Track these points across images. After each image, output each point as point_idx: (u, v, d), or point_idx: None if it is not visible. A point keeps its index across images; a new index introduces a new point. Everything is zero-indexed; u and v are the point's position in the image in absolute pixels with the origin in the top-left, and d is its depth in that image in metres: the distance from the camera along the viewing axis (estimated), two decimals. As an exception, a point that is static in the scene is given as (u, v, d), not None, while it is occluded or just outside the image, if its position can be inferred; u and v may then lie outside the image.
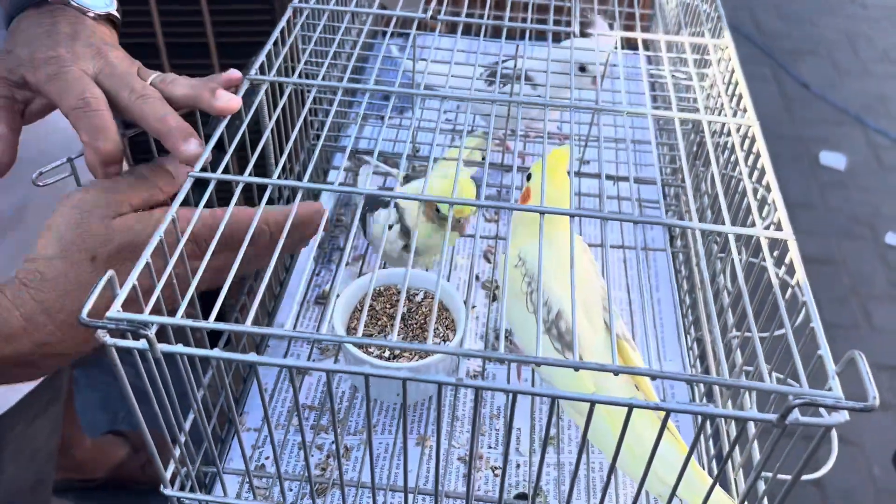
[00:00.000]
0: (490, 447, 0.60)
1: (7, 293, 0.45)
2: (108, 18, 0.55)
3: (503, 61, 0.68)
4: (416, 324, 0.59)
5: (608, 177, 0.71)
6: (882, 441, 1.67)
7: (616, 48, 0.63)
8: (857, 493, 1.59)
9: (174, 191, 0.51)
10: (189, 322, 0.40)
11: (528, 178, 0.58)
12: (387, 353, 0.56)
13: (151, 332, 0.38)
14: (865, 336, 1.93)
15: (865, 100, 2.68)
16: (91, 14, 0.53)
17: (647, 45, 0.90)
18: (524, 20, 0.86)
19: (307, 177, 0.50)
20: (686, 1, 0.77)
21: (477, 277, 0.73)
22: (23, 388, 0.75)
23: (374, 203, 0.65)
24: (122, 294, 0.40)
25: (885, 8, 3.18)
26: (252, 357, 0.39)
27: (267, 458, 0.58)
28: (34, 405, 0.79)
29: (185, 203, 0.47)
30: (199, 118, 0.55)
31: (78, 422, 1.31)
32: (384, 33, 0.65)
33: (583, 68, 0.68)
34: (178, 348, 0.39)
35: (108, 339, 0.39)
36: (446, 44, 0.69)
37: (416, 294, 0.61)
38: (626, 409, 0.37)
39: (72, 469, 1.35)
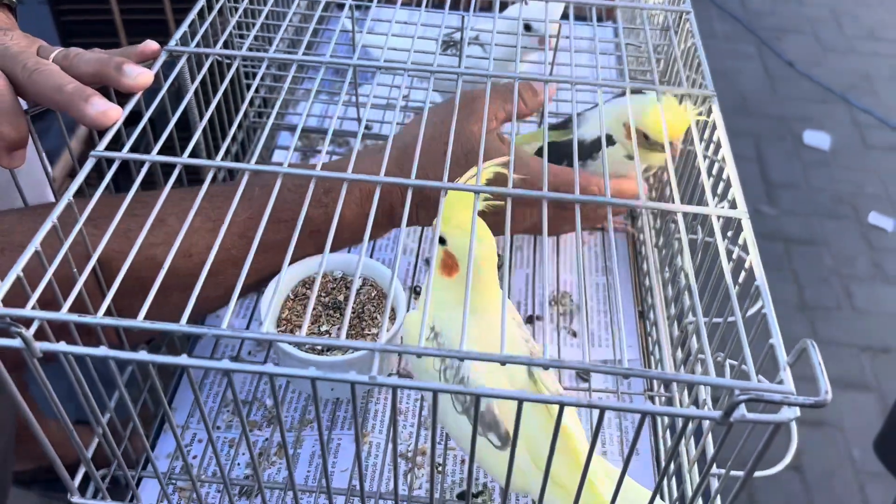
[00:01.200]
0: (437, 443, 0.56)
1: None
2: (2, 4, 0.52)
3: (454, 31, 0.64)
4: (354, 313, 0.55)
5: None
6: (862, 423, 1.65)
7: (569, 17, 0.59)
8: (836, 475, 1.58)
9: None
10: (74, 317, 0.36)
11: (442, 241, 0.46)
12: (319, 347, 0.52)
13: (30, 331, 0.34)
14: (847, 317, 1.90)
15: (851, 78, 2.64)
16: None
17: (611, 14, 0.86)
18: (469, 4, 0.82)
19: (221, 154, 0.45)
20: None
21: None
22: None
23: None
24: (3, 288, 0.36)
25: (870, -16, 3.14)
26: (144, 356, 0.35)
27: (194, 458, 0.54)
28: None
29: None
30: (114, 93, 0.51)
31: (38, 406, 1.27)
32: (329, 5, 0.61)
33: (528, 27, 0.64)
34: (61, 346, 0.35)
35: (-18, 337, 0.35)
36: (388, 15, 0.65)
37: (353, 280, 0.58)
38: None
39: (37, 457, 1.31)
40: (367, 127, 0.74)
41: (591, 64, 0.81)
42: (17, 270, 0.37)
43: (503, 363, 0.35)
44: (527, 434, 0.43)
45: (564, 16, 0.60)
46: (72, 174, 1.55)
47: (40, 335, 0.35)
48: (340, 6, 0.87)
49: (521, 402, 0.33)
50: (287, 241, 0.50)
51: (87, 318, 0.36)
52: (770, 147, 2.37)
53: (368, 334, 0.54)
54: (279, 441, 0.55)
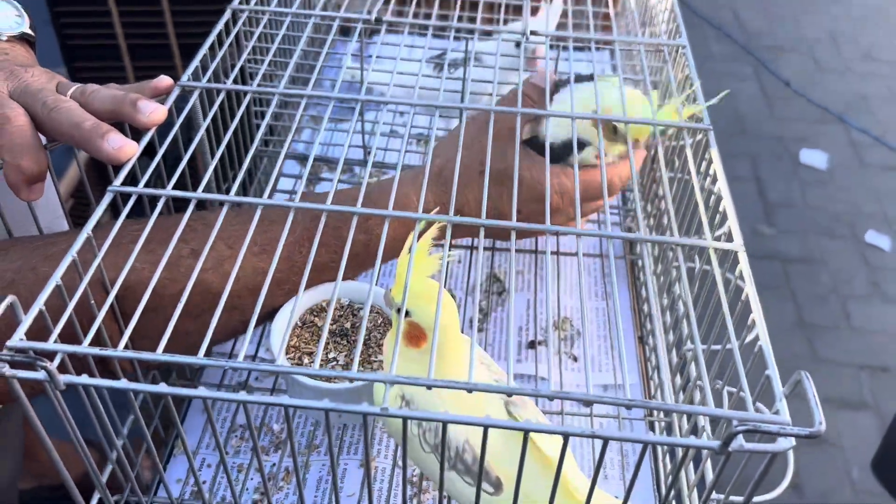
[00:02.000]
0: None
1: None
2: (23, 38, 0.53)
3: (452, 49, 0.65)
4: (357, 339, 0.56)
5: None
6: (861, 442, 1.65)
7: (569, 47, 0.61)
8: (835, 494, 1.58)
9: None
10: (95, 350, 0.37)
11: (407, 314, 0.45)
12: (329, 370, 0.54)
13: (54, 364, 0.36)
14: (846, 336, 1.92)
15: (847, 98, 2.67)
16: (3, 37, 0.52)
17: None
18: (472, 19, 0.84)
19: (235, 188, 0.47)
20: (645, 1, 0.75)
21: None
22: None
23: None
24: (26, 323, 0.37)
25: (867, 7, 3.18)
26: (164, 389, 0.36)
27: (205, 482, 0.55)
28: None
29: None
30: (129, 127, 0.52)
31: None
32: (333, 29, 0.62)
33: (518, 45, 0.66)
34: (82, 379, 0.37)
35: (7, 371, 0.36)
36: (393, 43, 0.67)
37: (361, 307, 0.59)
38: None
39: (39, 474, 1.32)
40: (368, 152, 0.76)
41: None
42: (39, 304, 0.39)
43: (510, 394, 0.36)
44: (514, 475, 0.43)
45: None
46: (74, 194, 1.56)
47: (61, 366, 0.37)
48: (346, 31, 0.89)
49: (486, 428, 0.34)
50: (326, 263, 0.52)
51: (108, 352, 0.37)
52: (768, 167, 2.39)
53: (375, 361, 0.55)
54: (286, 466, 0.56)
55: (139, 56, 1.42)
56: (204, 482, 0.55)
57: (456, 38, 0.59)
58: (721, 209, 0.48)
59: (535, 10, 0.74)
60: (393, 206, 0.44)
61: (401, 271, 0.43)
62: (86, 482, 1.49)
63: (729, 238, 0.46)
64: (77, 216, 1.51)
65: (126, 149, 0.47)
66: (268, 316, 0.55)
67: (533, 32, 0.60)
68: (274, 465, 0.56)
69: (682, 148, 0.56)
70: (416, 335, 0.45)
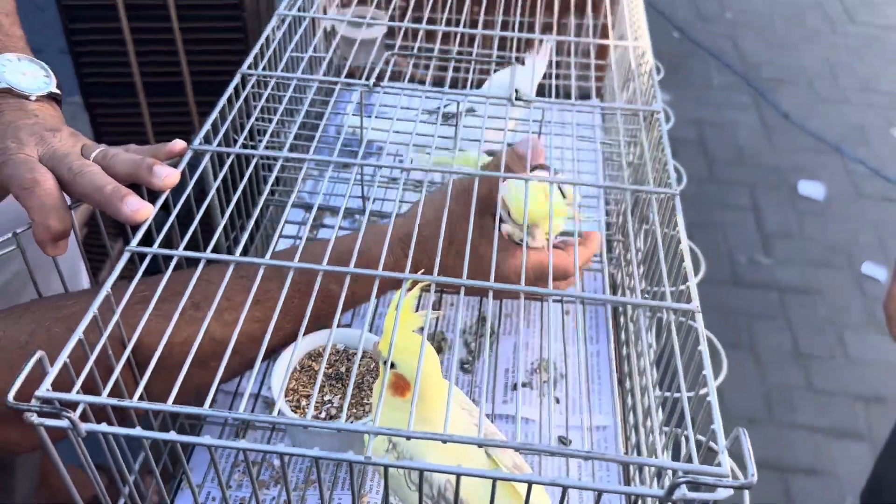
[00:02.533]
0: None
1: None
2: (49, 97, 0.58)
3: (446, 105, 0.70)
4: (354, 383, 0.61)
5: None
6: (855, 471, 1.68)
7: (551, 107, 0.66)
8: (828, 525, 1.61)
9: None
10: (113, 401, 0.42)
11: (392, 365, 0.49)
12: (322, 414, 0.58)
13: (76, 414, 0.40)
14: (841, 366, 1.95)
15: (844, 129, 2.72)
16: (33, 98, 0.56)
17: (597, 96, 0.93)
18: (466, 81, 0.89)
19: (240, 248, 0.52)
20: (627, 60, 0.80)
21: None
22: None
23: None
24: (51, 375, 0.42)
25: (865, 38, 3.23)
26: (173, 436, 0.41)
27: (209, 515, 0.60)
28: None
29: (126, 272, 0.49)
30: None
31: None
32: (336, 89, 0.68)
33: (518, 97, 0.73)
34: (102, 427, 0.41)
35: (35, 420, 0.41)
36: (393, 95, 0.72)
37: (356, 352, 0.64)
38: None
39: (49, 498, 1.36)
40: (366, 199, 0.81)
41: (573, 147, 0.88)
42: (63, 358, 0.43)
43: (444, 441, 0.40)
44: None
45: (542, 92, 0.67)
46: (88, 223, 1.61)
47: (81, 414, 0.41)
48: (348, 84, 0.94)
49: (458, 476, 0.39)
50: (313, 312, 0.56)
51: (126, 403, 0.42)
52: (765, 197, 2.43)
53: (367, 403, 0.60)
54: (284, 500, 0.61)
55: (153, 93, 1.48)
56: (209, 514, 0.60)
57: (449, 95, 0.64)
58: (682, 271, 0.53)
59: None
60: (356, 264, 0.49)
61: (388, 326, 0.48)
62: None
63: (688, 300, 0.50)
64: (89, 245, 1.56)
65: (143, 211, 0.52)
66: (266, 356, 0.60)
67: (518, 98, 0.65)
68: (274, 498, 0.61)
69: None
70: (401, 385, 0.50)
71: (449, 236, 0.58)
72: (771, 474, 1.65)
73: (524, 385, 0.70)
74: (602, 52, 0.99)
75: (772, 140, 2.68)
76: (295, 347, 0.58)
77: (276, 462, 0.64)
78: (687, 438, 0.51)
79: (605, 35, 0.99)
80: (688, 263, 0.53)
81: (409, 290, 0.49)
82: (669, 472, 0.53)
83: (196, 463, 0.64)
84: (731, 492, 0.39)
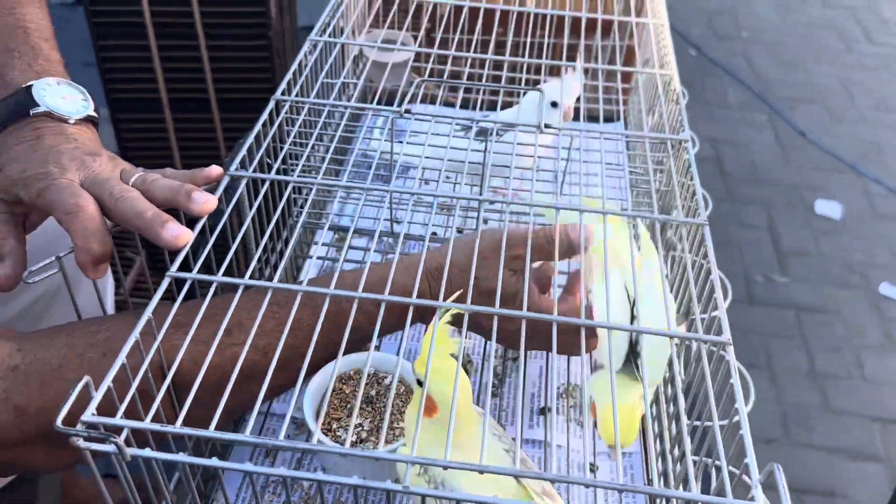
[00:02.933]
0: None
1: None
2: (87, 120, 0.59)
3: (478, 121, 0.71)
4: (383, 406, 0.62)
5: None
6: (872, 494, 1.67)
7: (579, 135, 0.66)
8: (845, 547, 1.60)
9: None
10: (156, 427, 0.43)
11: (420, 383, 0.50)
12: (353, 437, 0.59)
13: (121, 438, 0.41)
14: (858, 386, 1.94)
15: (861, 148, 2.71)
16: (71, 121, 0.58)
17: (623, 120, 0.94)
18: (495, 104, 0.91)
19: (279, 273, 0.53)
20: (655, 83, 0.80)
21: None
22: None
23: None
24: (96, 399, 0.43)
25: (881, 57, 3.23)
26: (214, 462, 0.42)
27: (240, 538, 0.60)
28: None
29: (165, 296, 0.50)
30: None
31: (75, 467, 1.34)
32: (367, 114, 0.69)
33: (554, 104, 0.75)
34: (146, 452, 0.42)
35: (82, 444, 0.42)
36: (425, 126, 0.73)
37: (385, 377, 0.64)
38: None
39: (66, 511, 1.38)
40: (397, 221, 0.82)
41: (600, 174, 0.88)
42: (107, 382, 0.44)
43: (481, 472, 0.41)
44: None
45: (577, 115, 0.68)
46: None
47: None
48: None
49: None
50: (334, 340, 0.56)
51: (168, 428, 0.43)
52: (782, 215, 2.43)
53: (397, 427, 0.61)
54: (314, 521, 0.62)
55: (179, 109, 1.50)
56: (239, 536, 0.60)
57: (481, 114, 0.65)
58: (711, 299, 0.53)
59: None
60: (390, 292, 0.50)
61: (424, 347, 0.49)
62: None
63: (718, 332, 0.50)
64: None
65: (182, 237, 0.53)
66: (292, 383, 0.60)
67: (547, 126, 0.66)
68: (304, 522, 0.62)
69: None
70: (429, 406, 0.50)
71: (477, 276, 0.58)
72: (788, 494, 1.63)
73: (549, 410, 0.70)
74: (627, 74, 1.00)
75: (788, 158, 2.68)
76: (330, 372, 0.59)
77: (305, 484, 0.65)
78: (718, 469, 0.51)
79: (630, 55, 1.00)
80: (718, 294, 0.53)
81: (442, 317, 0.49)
82: None
83: (229, 478, 0.65)
84: (764, 528, 0.39)
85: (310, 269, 0.82)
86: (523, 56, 0.76)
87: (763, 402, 1.86)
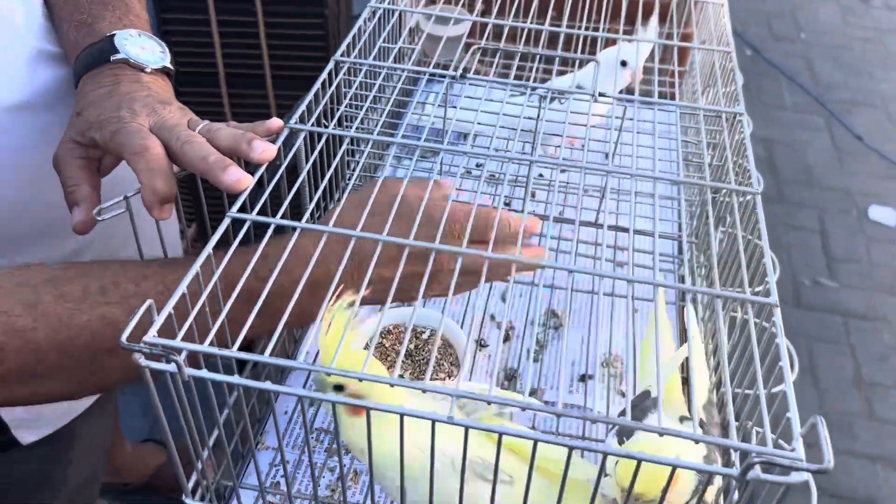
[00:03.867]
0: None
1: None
2: (163, 71, 0.62)
3: (533, 86, 0.71)
4: (422, 360, 0.63)
5: (615, 228, 0.75)
6: (901, 498, 1.64)
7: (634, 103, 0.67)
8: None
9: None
10: (216, 350, 0.45)
11: (342, 388, 0.48)
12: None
13: (181, 358, 0.43)
14: (905, 396, 1.90)
15: (920, 155, 2.64)
16: (147, 69, 0.60)
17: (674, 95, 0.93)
18: (548, 72, 0.91)
19: (332, 222, 0.54)
20: (712, 62, 0.80)
21: (492, 317, 0.77)
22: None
23: None
24: (158, 321, 0.45)
25: (947, 63, 3.14)
26: (269, 386, 0.44)
27: (282, 476, 0.62)
28: (97, 403, 0.86)
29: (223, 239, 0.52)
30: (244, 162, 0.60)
31: (118, 426, 1.38)
32: (423, 79, 0.70)
33: (624, 63, 0.77)
34: (204, 373, 0.44)
35: (143, 362, 0.44)
36: (479, 92, 0.74)
37: (424, 332, 0.66)
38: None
39: (110, 473, 1.42)
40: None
41: (652, 146, 0.88)
42: (168, 308, 0.46)
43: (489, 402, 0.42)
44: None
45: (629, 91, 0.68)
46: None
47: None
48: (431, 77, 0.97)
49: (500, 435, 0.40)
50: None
51: (225, 352, 0.44)
52: (833, 220, 2.38)
53: (436, 379, 0.62)
54: (355, 468, 0.63)
55: (235, 84, 1.53)
56: (282, 476, 0.62)
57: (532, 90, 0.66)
58: (762, 267, 0.53)
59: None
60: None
61: (328, 346, 0.45)
62: (153, 480, 1.62)
63: (767, 293, 0.51)
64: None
65: (243, 181, 0.55)
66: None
67: (601, 94, 0.66)
68: (345, 466, 0.63)
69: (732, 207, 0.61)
70: (354, 408, 0.48)
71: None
72: (828, 500, 1.61)
73: (590, 377, 0.71)
74: (682, 57, 1.00)
75: (843, 163, 2.62)
76: (379, 321, 0.61)
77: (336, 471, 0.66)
78: (758, 433, 0.52)
79: (683, 53, 1.00)
80: (767, 261, 0.53)
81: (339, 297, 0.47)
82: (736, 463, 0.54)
83: (270, 426, 0.67)
84: (805, 476, 0.39)
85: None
86: (579, 29, 0.77)
87: (805, 408, 1.81)
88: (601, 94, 0.66)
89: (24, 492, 0.85)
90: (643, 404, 0.52)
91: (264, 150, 0.57)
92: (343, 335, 0.45)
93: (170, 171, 0.56)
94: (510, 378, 0.72)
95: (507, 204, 0.87)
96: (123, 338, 0.43)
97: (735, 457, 0.55)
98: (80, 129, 0.57)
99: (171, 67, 0.63)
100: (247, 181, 0.55)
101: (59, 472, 0.86)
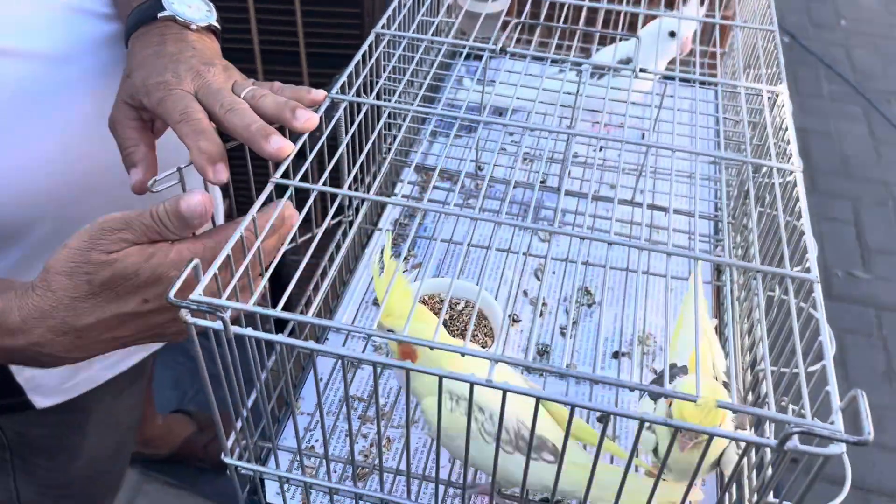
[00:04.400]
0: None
1: (16, 292, 0.51)
2: (209, 29, 0.62)
3: (573, 60, 0.70)
4: (456, 330, 0.64)
5: (653, 207, 0.75)
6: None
7: (675, 80, 0.66)
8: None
9: (183, 234, 0.51)
10: (259, 309, 0.46)
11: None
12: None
13: (227, 315, 0.44)
14: (938, 389, 1.87)
15: (960, 147, 2.59)
16: (194, 27, 0.60)
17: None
18: (586, 51, 0.91)
19: (374, 189, 0.55)
20: (754, 43, 0.79)
21: (525, 293, 0.77)
22: (114, 369, 0.84)
23: None
24: (205, 280, 0.46)
25: None
26: (311, 345, 0.45)
27: (317, 440, 0.64)
28: (121, 382, 0.87)
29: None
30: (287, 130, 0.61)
31: (152, 400, 1.41)
32: (461, 54, 0.70)
33: (672, 33, 0.78)
34: (248, 331, 0.45)
35: (189, 319, 0.45)
36: (518, 68, 0.74)
37: (458, 303, 0.66)
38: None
39: (140, 445, 1.45)
40: (479, 168, 0.83)
41: (691, 124, 0.88)
42: (213, 269, 0.47)
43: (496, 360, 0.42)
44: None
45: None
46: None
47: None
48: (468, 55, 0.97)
49: (537, 399, 0.42)
50: None
51: (270, 311, 0.45)
52: (869, 211, 2.34)
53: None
54: (388, 435, 0.64)
55: (269, 61, 1.54)
56: (317, 440, 0.63)
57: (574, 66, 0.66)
58: (802, 244, 0.53)
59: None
60: None
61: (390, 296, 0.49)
62: (182, 451, 1.65)
63: (807, 271, 0.50)
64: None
65: (285, 149, 0.55)
66: None
67: (642, 70, 0.66)
68: (376, 432, 0.64)
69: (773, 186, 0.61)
70: (407, 352, 0.51)
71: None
72: (855, 493, 1.60)
73: (623, 355, 0.71)
74: (722, 40, 0.99)
75: (880, 154, 2.57)
76: (419, 289, 0.61)
77: (381, 399, 0.67)
78: (794, 410, 0.51)
79: (725, 29, 0.98)
80: (808, 237, 0.53)
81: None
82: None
83: (306, 392, 0.68)
84: (843, 447, 0.39)
85: (389, 212, 0.85)
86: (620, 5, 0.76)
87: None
88: (642, 70, 0.66)
89: (39, 452, 0.87)
90: (672, 372, 0.53)
91: (308, 119, 0.58)
92: (393, 278, 0.48)
93: (213, 132, 0.57)
94: (542, 353, 0.72)
95: (542, 182, 0.87)
96: (171, 294, 0.44)
97: (770, 431, 0.56)
98: (130, 92, 0.58)
99: (218, 26, 0.63)
100: (289, 149, 0.55)
101: (74, 441, 0.88)
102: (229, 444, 0.55)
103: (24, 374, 0.77)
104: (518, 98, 0.66)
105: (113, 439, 0.95)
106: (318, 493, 0.60)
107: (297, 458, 0.59)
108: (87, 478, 0.96)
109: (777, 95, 0.66)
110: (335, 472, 0.61)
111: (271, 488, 0.59)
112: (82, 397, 0.82)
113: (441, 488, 0.59)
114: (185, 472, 1.49)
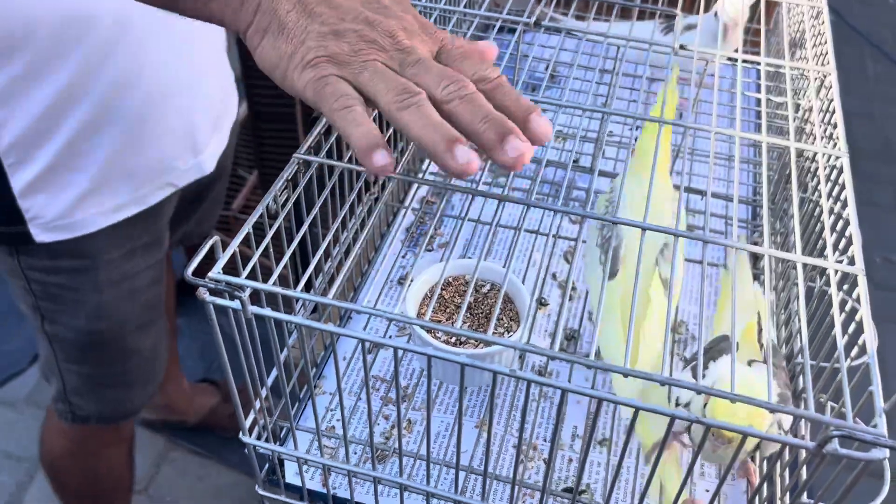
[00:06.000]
0: (545, 440, 0.63)
1: None
2: None
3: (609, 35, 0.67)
4: (481, 313, 0.62)
5: (689, 189, 0.72)
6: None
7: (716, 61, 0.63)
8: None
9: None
10: (279, 289, 0.44)
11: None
12: (453, 339, 0.60)
13: (245, 295, 0.43)
14: (975, 384, 1.82)
15: None
16: None
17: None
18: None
19: (401, 166, 0.53)
20: (800, 20, 0.76)
21: (554, 276, 0.75)
22: (114, 217, 0.84)
23: None
24: (223, 258, 0.45)
25: None
26: (330, 327, 0.43)
27: (337, 420, 0.63)
28: (131, 238, 0.88)
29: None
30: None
31: (177, 359, 1.41)
32: (494, 27, 0.68)
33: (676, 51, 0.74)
34: (267, 311, 0.44)
35: (207, 297, 0.44)
36: (552, 43, 0.71)
37: (484, 285, 0.65)
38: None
39: (166, 409, 1.46)
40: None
41: (732, 104, 0.85)
42: (233, 247, 0.46)
43: (625, 375, 0.40)
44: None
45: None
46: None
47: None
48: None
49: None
50: None
51: (289, 291, 0.44)
52: (907, 201, 2.28)
53: (495, 333, 0.61)
54: (409, 417, 0.63)
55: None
56: (337, 420, 0.63)
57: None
58: (847, 234, 0.50)
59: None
60: None
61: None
62: (208, 420, 1.66)
63: (851, 262, 0.48)
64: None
65: (472, 165, 0.40)
66: None
67: (682, 47, 0.63)
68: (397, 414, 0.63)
69: (815, 171, 0.58)
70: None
71: None
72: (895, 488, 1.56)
73: (652, 341, 0.69)
74: (767, 16, 0.95)
75: (926, 138, 2.49)
76: (433, 274, 0.60)
77: (403, 382, 0.66)
78: (833, 408, 0.49)
79: (770, 10, 0.94)
80: (854, 227, 0.50)
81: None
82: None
83: (327, 372, 0.67)
84: (886, 452, 0.37)
85: (417, 190, 0.83)
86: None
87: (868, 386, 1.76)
88: (681, 48, 0.63)
89: (63, 306, 0.88)
90: (718, 346, 0.51)
91: (521, 156, 0.40)
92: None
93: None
94: (570, 338, 0.70)
95: (575, 161, 0.84)
96: (188, 272, 0.43)
97: (806, 431, 0.53)
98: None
99: None
100: (474, 166, 0.40)
101: (92, 297, 0.88)
102: (248, 423, 0.54)
103: (26, 202, 0.78)
104: (553, 74, 0.64)
105: (133, 309, 0.93)
106: (338, 476, 0.59)
107: (317, 439, 0.58)
108: (118, 352, 0.95)
109: (825, 76, 0.63)
110: (355, 453, 0.60)
111: (290, 468, 0.58)
112: (86, 243, 0.83)
113: (462, 475, 0.58)
114: (210, 441, 1.51)
